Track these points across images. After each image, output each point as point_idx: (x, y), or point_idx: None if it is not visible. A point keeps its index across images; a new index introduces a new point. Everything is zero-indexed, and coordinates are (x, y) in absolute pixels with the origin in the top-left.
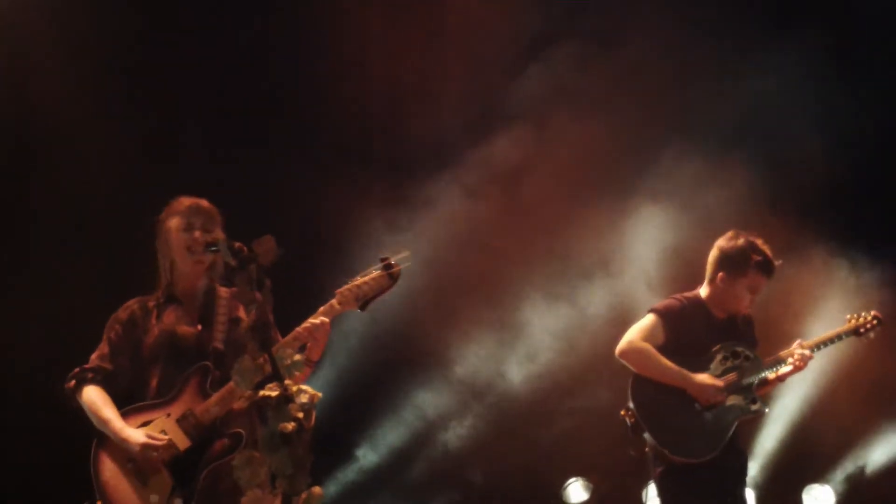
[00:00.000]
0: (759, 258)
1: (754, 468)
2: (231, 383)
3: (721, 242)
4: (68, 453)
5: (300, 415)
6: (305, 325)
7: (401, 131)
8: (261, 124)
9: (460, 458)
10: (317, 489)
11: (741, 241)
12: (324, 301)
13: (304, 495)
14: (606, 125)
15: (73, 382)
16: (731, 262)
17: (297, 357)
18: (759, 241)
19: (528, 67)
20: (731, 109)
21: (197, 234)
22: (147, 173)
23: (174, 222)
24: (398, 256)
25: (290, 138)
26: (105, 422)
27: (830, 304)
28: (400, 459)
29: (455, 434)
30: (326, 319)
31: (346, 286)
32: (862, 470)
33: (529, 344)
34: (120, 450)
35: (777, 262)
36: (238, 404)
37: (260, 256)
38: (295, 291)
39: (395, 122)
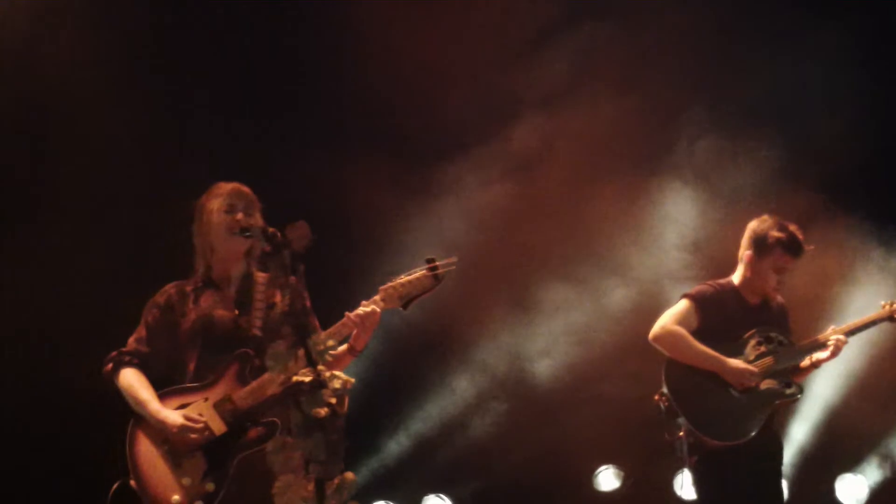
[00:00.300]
0: (782, 236)
1: (787, 457)
2: (263, 376)
3: (752, 224)
4: (103, 433)
5: (333, 400)
6: (356, 312)
7: (427, 118)
8: (287, 112)
9: (488, 447)
10: (349, 475)
11: (769, 222)
12: (356, 289)
13: (336, 481)
14: (629, 106)
15: (110, 366)
16: (757, 241)
17: (331, 342)
18: (789, 223)
19: (550, 50)
20: (759, 89)
21: (239, 216)
22: (172, 160)
23: (216, 204)
24: (445, 260)
25: (317, 127)
26: (142, 403)
27: (863, 288)
28: (427, 448)
29: (483, 422)
30: (378, 309)
31: (390, 283)
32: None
33: (557, 330)
34: (155, 431)
35: (808, 246)
36: (272, 389)
37: (293, 242)
38: (326, 280)
39: (420, 109)
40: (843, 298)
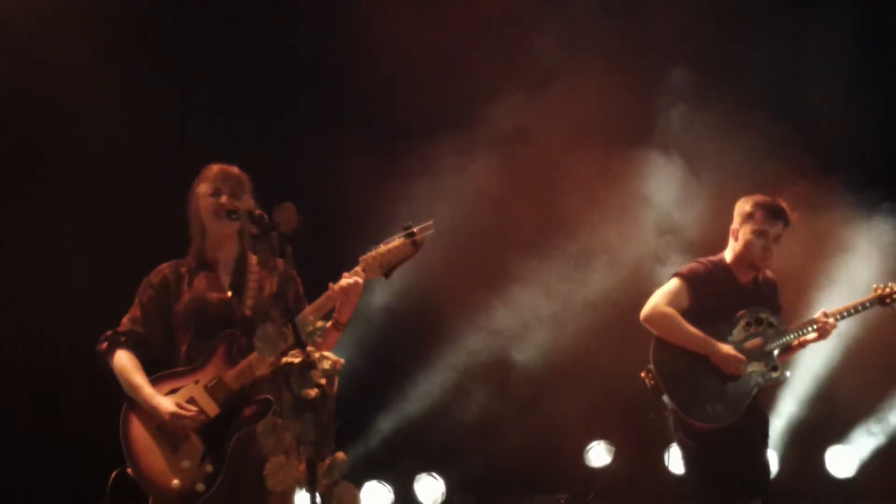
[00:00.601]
0: (763, 200)
1: (777, 430)
2: (250, 357)
3: (739, 202)
4: (98, 420)
5: (323, 381)
6: (339, 283)
7: (407, 99)
8: (279, 94)
9: (480, 425)
10: (340, 455)
11: (755, 195)
12: (346, 268)
13: (327, 461)
14: (611, 85)
15: (105, 345)
16: (740, 212)
17: (320, 324)
18: (772, 196)
19: (530, 30)
20: (755, 64)
21: (224, 199)
22: (166, 143)
23: (203, 188)
24: (422, 225)
25: (309, 107)
26: (136, 388)
27: (856, 266)
28: (418, 427)
29: (475, 400)
30: (360, 280)
31: (369, 254)
32: (885, 431)
33: (545, 308)
34: (150, 416)
35: (792, 214)
36: (261, 371)
37: (280, 224)
38: (316, 259)
39: (401, 89)
40: (835, 271)
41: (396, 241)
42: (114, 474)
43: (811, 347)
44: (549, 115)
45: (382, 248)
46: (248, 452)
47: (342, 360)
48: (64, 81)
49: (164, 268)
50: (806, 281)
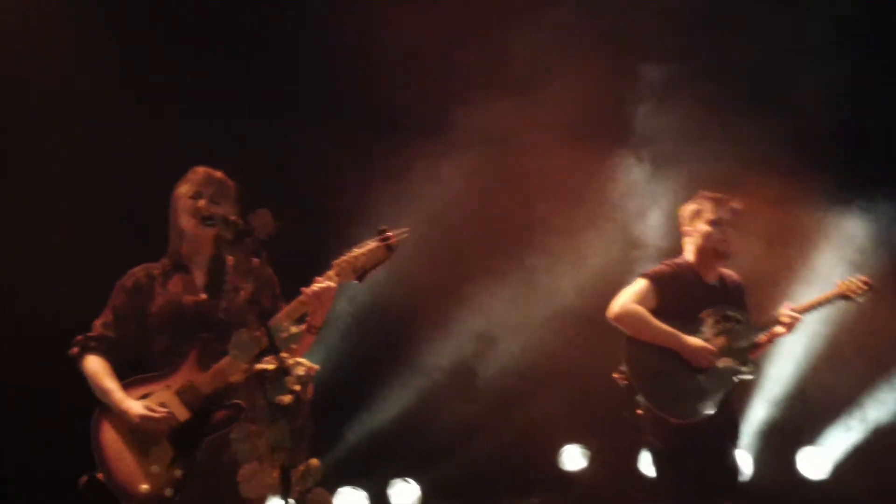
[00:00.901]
0: (702, 196)
1: (750, 432)
2: (222, 361)
3: (680, 208)
4: (71, 422)
5: (297, 387)
6: (311, 288)
7: (394, 95)
8: (254, 95)
9: (454, 430)
10: (315, 461)
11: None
12: (319, 271)
13: (302, 468)
14: (601, 79)
15: (76, 349)
16: (688, 214)
17: (294, 329)
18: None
19: (515, 27)
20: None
21: (202, 202)
22: (144, 141)
23: (184, 189)
24: (397, 231)
25: (288, 104)
26: (106, 392)
27: (828, 259)
28: (392, 433)
29: (449, 405)
30: (333, 284)
31: (342, 257)
32: (857, 432)
33: (520, 312)
34: (121, 420)
35: (733, 200)
36: (235, 376)
37: (256, 229)
38: (294, 263)
39: (388, 86)
40: (804, 267)
41: (370, 244)
42: (84, 479)
43: (784, 349)
44: (526, 118)
45: (356, 251)
46: (221, 457)
47: (316, 367)
48: (45, 76)
49: (137, 271)
50: (775, 277)
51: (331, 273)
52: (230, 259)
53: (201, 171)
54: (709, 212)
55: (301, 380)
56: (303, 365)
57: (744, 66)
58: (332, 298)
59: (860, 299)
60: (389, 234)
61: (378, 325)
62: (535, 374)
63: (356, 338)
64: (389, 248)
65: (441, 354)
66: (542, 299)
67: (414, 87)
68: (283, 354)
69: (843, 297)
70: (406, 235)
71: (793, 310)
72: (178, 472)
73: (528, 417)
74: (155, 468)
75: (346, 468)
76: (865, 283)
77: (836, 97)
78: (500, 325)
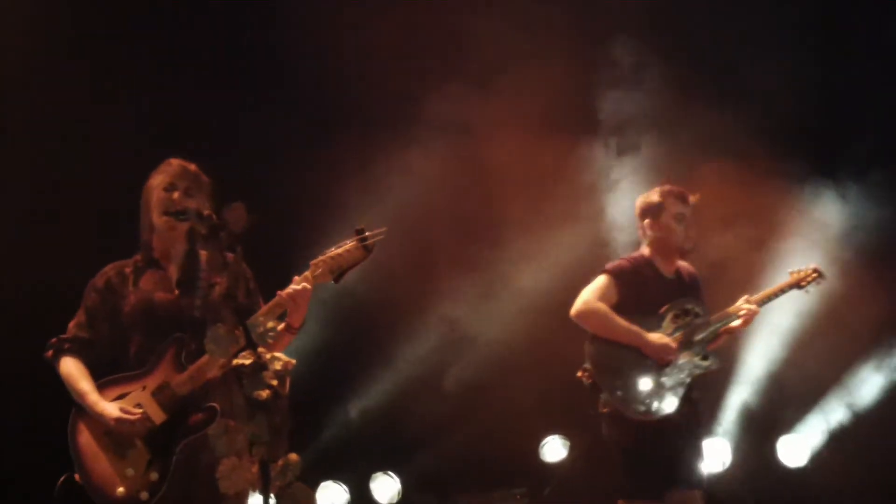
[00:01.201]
0: (666, 188)
1: (728, 420)
2: (201, 360)
3: (637, 201)
4: (48, 424)
5: (274, 382)
6: (287, 290)
7: (364, 91)
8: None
9: (435, 422)
10: (294, 456)
11: (651, 190)
12: (297, 270)
13: (281, 462)
14: (567, 68)
15: (51, 352)
16: (650, 205)
17: (271, 324)
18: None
19: (486, 20)
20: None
21: (176, 195)
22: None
23: (157, 180)
24: (374, 232)
25: (258, 101)
26: (81, 394)
27: (801, 244)
28: (373, 427)
29: (431, 398)
30: (308, 285)
31: (320, 257)
32: (836, 420)
33: (503, 302)
34: (97, 422)
35: (692, 195)
36: (212, 372)
37: (230, 224)
38: (268, 259)
39: (357, 83)
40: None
41: (347, 244)
42: (61, 480)
43: (762, 337)
44: (492, 107)
45: (333, 251)
46: (198, 460)
47: (293, 361)
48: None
49: (108, 270)
50: (746, 263)
51: (307, 273)
52: (203, 254)
53: (175, 162)
54: (672, 206)
55: (278, 374)
56: (280, 360)
57: (712, 52)
58: (307, 300)
59: (811, 288)
60: (367, 234)
61: (352, 318)
62: (517, 365)
63: (331, 331)
64: (367, 249)
65: (421, 347)
66: (516, 289)
67: (378, 79)
68: (260, 350)
69: (796, 286)
70: (383, 236)
71: (748, 301)
72: (153, 475)
73: (509, 409)
74: (130, 471)
75: (327, 462)
76: (816, 270)
77: (806, 83)
78: (476, 316)
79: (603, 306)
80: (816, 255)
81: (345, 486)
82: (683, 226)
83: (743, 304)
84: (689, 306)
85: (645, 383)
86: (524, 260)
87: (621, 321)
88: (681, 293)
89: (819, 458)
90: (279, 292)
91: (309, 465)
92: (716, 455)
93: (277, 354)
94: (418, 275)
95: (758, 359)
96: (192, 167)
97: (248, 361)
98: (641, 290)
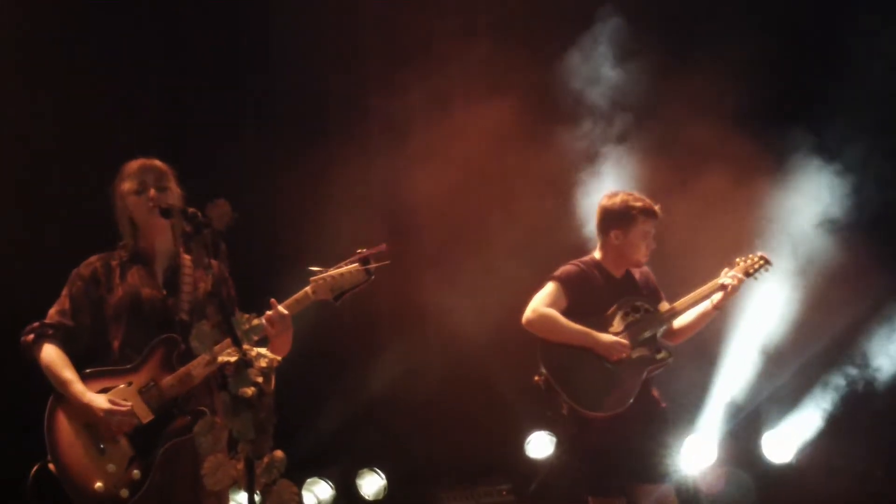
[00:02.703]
0: (640, 205)
1: (714, 417)
2: (198, 359)
3: (603, 202)
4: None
5: (260, 379)
6: (266, 315)
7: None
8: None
9: (421, 419)
10: (279, 453)
11: (620, 197)
12: (286, 272)
13: (266, 459)
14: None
15: (31, 336)
16: (619, 217)
17: (256, 322)
18: (634, 193)
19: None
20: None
21: (151, 192)
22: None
23: (127, 186)
24: (375, 250)
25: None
26: (66, 383)
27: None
28: (358, 423)
29: (416, 394)
30: (286, 312)
31: (321, 275)
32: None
33: (484, 300)
34: (77, 413)
35: (656, 206)
36: (198, 371)
37: (214, 221)
38: (252, 266)
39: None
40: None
41: (350, 266)
42: (35, 468)
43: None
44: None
45: (335, 271)
46: (181, 463)
47: (279, 358)
48: None
49: (94, 260)
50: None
51: (308, 290)
52: (186, 258)
53: (136, 163)
54: (643, 224)
55: (263, 371)
56: (265, 357)
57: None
58: (287, 328)
59: (758, 275)
60: (370, 257)
61: (343, 314)
62: (502, 360)
63: (321, 328)
64: (368, 273)
65: (408, 343)
66: (501, 283)
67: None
68: (245, 347)
69: (745, 274)
70: (388, 262)
71: (726, 276)
72: (136, 473)
73: (494, 405)
74: (111, 467)
75: (312, 459)
76: (762, 258)
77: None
78: (460, 310)
79: (550, 311)
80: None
81: (330, 483)
82: (647, 243)
83: (720, 280)
84: (638, 303)
85: (600, 382)
86: (508, 253)
87: (570, 324)
88: (630, 291)
89: (805, 453)
90: (271, 306)
91: (294, 461)
92: (700, 451)
93: (263, 351)
94: (404, 275)
95: (742, 352)
96: (154, 161)
97: (233, 359)
98: (590, 293)
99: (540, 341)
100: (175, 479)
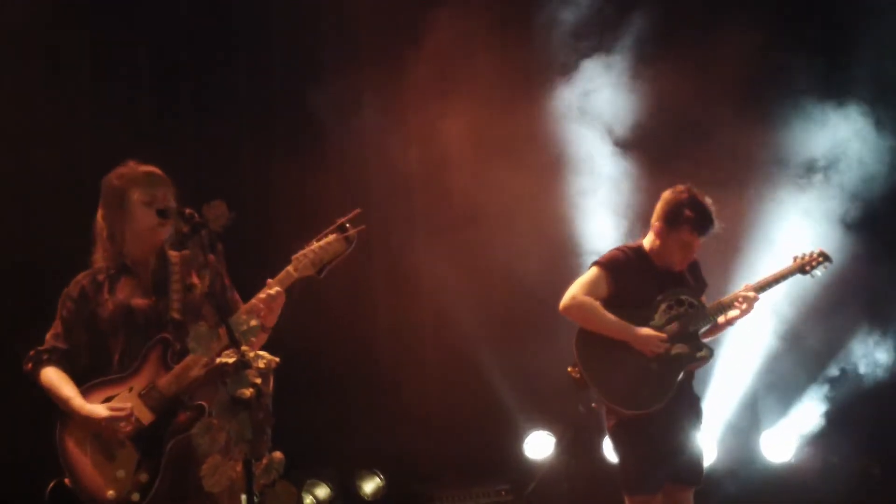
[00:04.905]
0: (692, 214)
1: (712, 416)
2: (187, 358)
3: (667, 193)
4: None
5: (258, 380)
6: (260, 296)
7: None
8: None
9: (419, 418)
10: (278, 454)
11: (684, 195)
12: (276, 264)
13: (264, 460)
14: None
15: (30, 365)
16: (668, 213)
17: (254, 323)
18: (704, 200)
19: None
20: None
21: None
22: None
23: (136, 195)
24: (350, 216)
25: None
26: (66, 400)
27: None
28: (360, 422)
29: (414, 393)
30: (281, 289)
31: (301, 252)
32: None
33: (486, 290)
34: (83, 427)
35: (719, 225)
36: (195, 372)
37: (211, 221)
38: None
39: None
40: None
41: (329, 237)
42: (52, 484)
43: (746, 328)
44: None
45: (315, 245)
46: (189, 458)
47: (277, 359)
48: None
49: (82, 279)
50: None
51: (290, 268)
52: (173, 255)
53: (142, 168)
54: (687, 233)
55: (261, 372)
56: (263, 358)
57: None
58: (281, 304)
59: (818, 272)
60: (347, 225)
61: (337, 313)
62: (502, 359)
63: (317, 327)
64: (348, 241)
65: (404, 341)
66: (501, 279)
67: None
68: (244, 348)
69: (800, 270)
70: (363, 225)
71: (749, 288)
72: (143, 477)
73: (493, 404)
74: (121, 473)
75: (311, 459)
76: (822, 254)
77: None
78: (464, 308)
79: (590, 300)
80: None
81: (329, 484)
82: (686, 253)
83: (742, 292)
84: (683, 297)
85: (635, 377)
86: (508, 249)
87: (608, 315)
88: (676, 284)
89: (805, 453)
90: (252, 300)
91: (292, 462)
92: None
93: (261, 353)
94: (400, 267)
95: (742, 351)
96: (159, 172)
97: (231, 360)
98: (633, 283)
99: (577, 330)
100: (186, 476)
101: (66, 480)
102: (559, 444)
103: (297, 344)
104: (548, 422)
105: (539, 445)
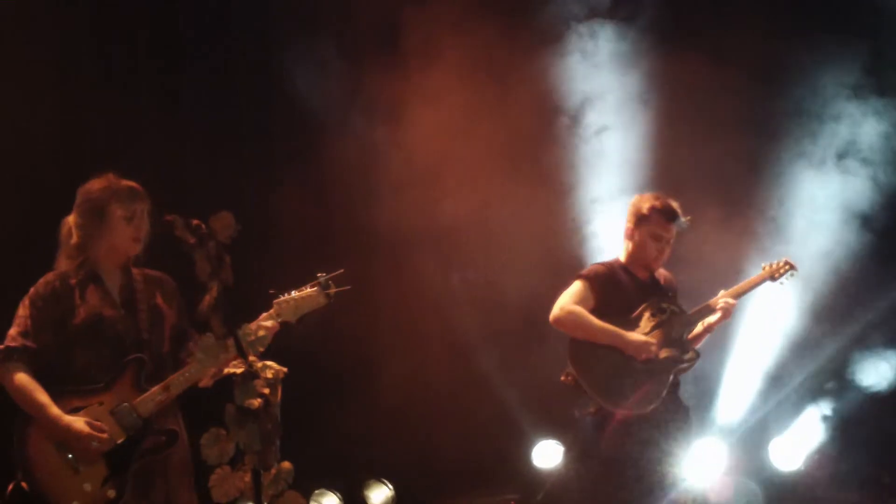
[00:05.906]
0: (657, 203)
1: (721, 424)
2: (170, 378)
3: (633, 200)
4: None
5: (266, 391)
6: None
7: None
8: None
9: (428, 429)
10: (286, 464)
11: (644, 195)
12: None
13: (273, 470)
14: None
15: None
16: (633, 213)
17: (262, 333)
18: (664, 196)
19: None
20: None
21: (138, 221)
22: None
23: (119, 210)
24: (334, 274)
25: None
26: (40, 407)
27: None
28: (369, 433)
29: (423, 403)
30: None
31: (283, 298)
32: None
33: (494, 298)
34: (49, 433)
35: (685, 216)
36: (204, 382)
37: (217, 233)
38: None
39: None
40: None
41: (310, 290)
42: (11, 486)
43: (750, 339)
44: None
45: (296, 294)
46: (154, 482)
47: (285, 369)
48: None
49: (51, 278)
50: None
51: (272, 312)
52: (136, 272)
53: (123, 183)
54: (655, 224)
55: (269, 383)
56: (271, 368)
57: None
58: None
59: (784, 281)
60: (330, 282)
61: (346, 323)
62: (505, 367)
63: (325, 338)
64: (328, 297)
65: (412, 352)
66: (505, 288)
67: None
68: (251, 358)
69: (770, 278)
70: (348, 286)
71: (725, 295)
72: (111, 493)
73: (503, 413)
74: (87, 486)
75: (320, 470)
76: (787, 263)
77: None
78: (471, 319)
79: (580, 308)
80: None
81: (338, 494)
82: (659, 246)
83: (720, 299)
84: (664, 304)
85: (628, 380)
86: (511, 258)
87: (598, 322)
88: (657, 293)
89: (814, 461)
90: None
91: (301, 473)
92: (708, 459)
93: (269, 363)
94: (408, 280)
95: (747, 359)
96: (138, 187)
97: (239, 370)
98: (617, 293)
99: (568, 340)
100: (148, 495)
101: (23, 484)
102: (568, 452)
103: (306, 354)
104: (556, 430)
105: (547, 454)
